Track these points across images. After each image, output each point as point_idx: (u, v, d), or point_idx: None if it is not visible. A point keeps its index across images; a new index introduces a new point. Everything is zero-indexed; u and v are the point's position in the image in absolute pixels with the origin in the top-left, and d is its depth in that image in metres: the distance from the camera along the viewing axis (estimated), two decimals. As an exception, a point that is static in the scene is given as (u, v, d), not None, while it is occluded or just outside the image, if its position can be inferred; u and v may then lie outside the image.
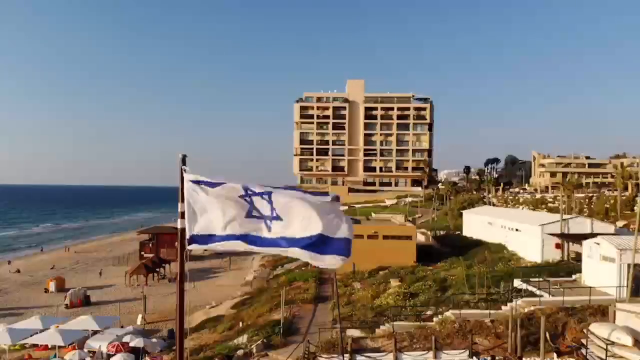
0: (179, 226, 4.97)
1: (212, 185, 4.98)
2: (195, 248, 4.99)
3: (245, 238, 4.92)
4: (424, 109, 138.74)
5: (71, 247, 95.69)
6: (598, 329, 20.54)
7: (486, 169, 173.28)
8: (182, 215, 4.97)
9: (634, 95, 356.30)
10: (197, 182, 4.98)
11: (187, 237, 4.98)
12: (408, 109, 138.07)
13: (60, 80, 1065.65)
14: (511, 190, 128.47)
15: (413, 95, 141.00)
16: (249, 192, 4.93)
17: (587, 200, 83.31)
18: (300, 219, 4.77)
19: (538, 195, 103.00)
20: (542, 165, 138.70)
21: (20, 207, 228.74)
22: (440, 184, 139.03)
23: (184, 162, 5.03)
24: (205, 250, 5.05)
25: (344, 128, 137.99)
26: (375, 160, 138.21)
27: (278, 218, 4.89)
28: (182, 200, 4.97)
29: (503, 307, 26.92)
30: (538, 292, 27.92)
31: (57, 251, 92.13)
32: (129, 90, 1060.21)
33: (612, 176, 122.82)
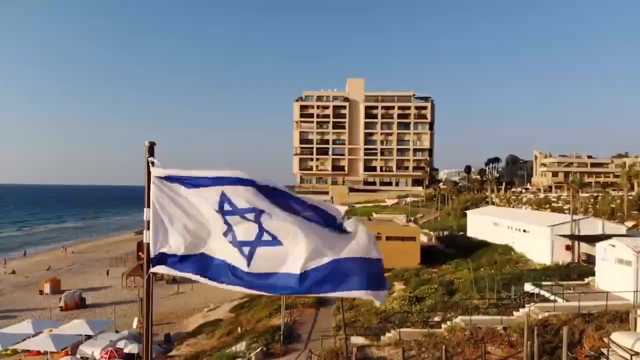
0: (145, 240, 3.63)
1: (188, 184, 3.63)
2: (162, 271, 3.66)
3: (226, 272, 3.62)
4: (425, 107, 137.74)
5: (68, 247, 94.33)
6: (620, 338, 19.24)
7: (487, 168, 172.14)
8: (149, 226, 3.63)
9: (635, 94, 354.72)
10: (168, 179, 3.63)
11: (152, 254, 3.64)
12: (409, 107, 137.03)
13: (59, 80, 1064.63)
14: (513, 190, 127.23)
15: (414, 94, 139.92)
16: (228, 206, 3.57)
17: (591, 200, 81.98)
18: (304, 245, 3.47)
19: (541, 195, 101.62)
20: (544, 165, 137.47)
21: (17, 207, 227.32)
22: (441, 183, 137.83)
23: (151, 152, 3.65)
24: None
25: (344, 127, 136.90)
26: (376, 159, 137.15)
27: (271, 242, 3.54)
28: (149, 205, 3.62)
29: (515, 313, 25.62)
30: (552, 297, 26.61)
31: (53, 252, 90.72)
32: (129, 90, 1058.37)
33: (615, 175, 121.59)
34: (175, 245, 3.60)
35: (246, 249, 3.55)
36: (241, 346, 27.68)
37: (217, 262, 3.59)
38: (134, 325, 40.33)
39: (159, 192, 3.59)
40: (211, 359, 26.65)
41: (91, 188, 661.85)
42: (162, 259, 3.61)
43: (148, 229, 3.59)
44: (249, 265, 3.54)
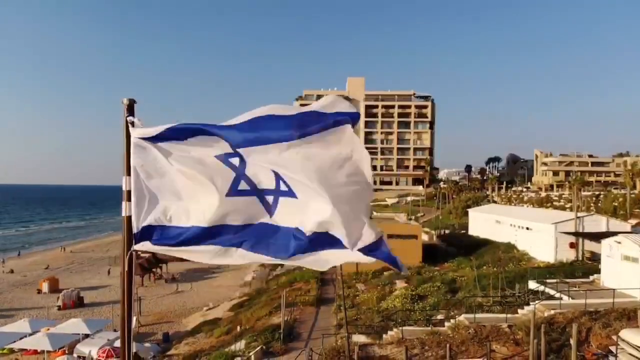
0: (123, 213, 3.12)
1: (173, 138, 3.10)
2: (146, 249, 3.15)
3: (225, 239, 3.11)
4: (425, 107, 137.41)
5: (67, 246, 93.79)
6: (630, 335, 18.78)
7: (487, 167, 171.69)
8: (129, 196, 3.12)
9: (636, 93, 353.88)
10: (151, 140, 3.10)
11: (135, 229, 3.13)
12: (409, 107, 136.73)
13: (57, 81, 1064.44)
14: (514, 189, 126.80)
15: (414, 93, 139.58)
16: (238, 149, 3.07)
17: (593, 198, 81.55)
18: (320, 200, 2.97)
19: (543, 194, 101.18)
20: (545, 164, 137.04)
21: (18, 207, 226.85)
22: (442, 182, 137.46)
23: (130, 111, 3.11)
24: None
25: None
26: (376, 158, 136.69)
27: (291, 193, 3.06)
28: (128, 172, 3.10)
29: (520, 311, 25.16)
30: (557, 295, 26.15)
31: (52, 251, 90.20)
32: (129, 91, 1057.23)
33: (616, 174, 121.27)
34: (160, 216, 3.11)
35: (269, 197, 3.10)
36: (240, 345, 27.19)
37: (209, 233, 3.09)
38: (133, 324, 39.87)
39: (141, 155, 3.09)
40: (210, 358, 26.16)
41: (92, 188, 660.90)
42: (146, 233, 3.13)
43: (128, 200, 3.08)
44: (271, 215, 3.09)
